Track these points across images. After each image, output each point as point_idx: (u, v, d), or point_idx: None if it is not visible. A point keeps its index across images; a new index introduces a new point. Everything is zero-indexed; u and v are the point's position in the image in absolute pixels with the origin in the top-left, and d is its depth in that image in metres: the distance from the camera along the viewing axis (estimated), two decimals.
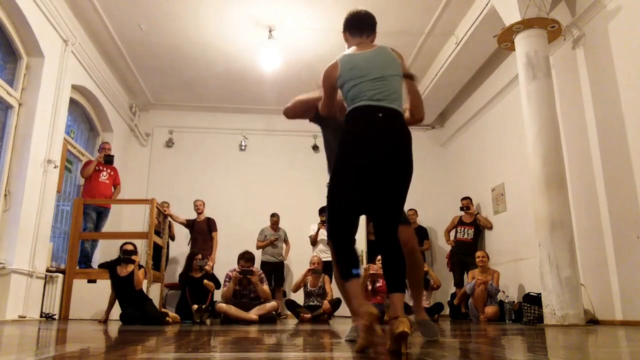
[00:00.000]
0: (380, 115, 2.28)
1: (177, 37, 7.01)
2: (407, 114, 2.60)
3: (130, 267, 5.33)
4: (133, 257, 5.33)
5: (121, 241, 5.82)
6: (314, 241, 7.56)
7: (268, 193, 8.71)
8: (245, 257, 6.04)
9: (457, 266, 7.36)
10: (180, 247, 8.10)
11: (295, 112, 2.89)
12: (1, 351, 2.17)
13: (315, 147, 9.05)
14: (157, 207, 6.81)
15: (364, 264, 6.73)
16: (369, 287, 6.33)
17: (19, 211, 5.43)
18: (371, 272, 6.30)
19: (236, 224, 8.40)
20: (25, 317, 5.43)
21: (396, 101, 2.36)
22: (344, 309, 7.59)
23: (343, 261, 2.26)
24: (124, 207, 8.43)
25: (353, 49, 2.54)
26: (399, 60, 2.47)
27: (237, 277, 5.91)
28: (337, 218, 2.32)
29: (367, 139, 2.28)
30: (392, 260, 2.24)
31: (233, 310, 5.73)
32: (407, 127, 2.42)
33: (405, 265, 2.25)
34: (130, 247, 5.45)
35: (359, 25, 2.58)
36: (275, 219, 8.03)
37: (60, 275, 6.09)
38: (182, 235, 8.08)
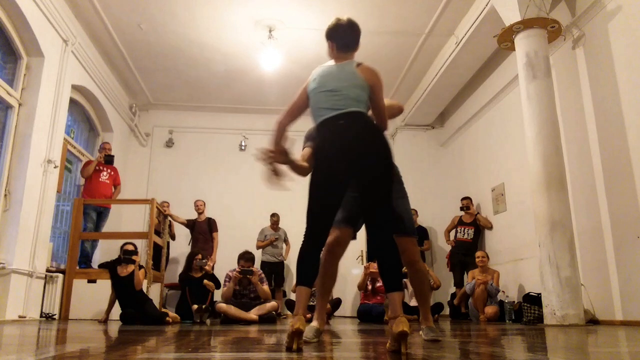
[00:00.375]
0: (342, 122, 2.34)
1: (177, 37, 7.01)
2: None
3: (131, 267, 5.33)
4: (133, 257, 5.34)
5: (121, 241, 5.83)
6: None
7: (268, 193, 8.65)
8: (246, 257, 6.04)
9: (457, 266, 7.36)
10: (180, 247, 8.10)
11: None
12: (1, 351, 2.17)
13: None
14: (157, 207, 6.81)
15: (364, 263, 6.73)
16: (369, 287, 6.34)
17: (19, 211, 5.43)
18: (371, 270, 6.31)
19: (236, 224, 8.40)
20: (25, 317, 5.43)
21: (353, 106, 2.40)
22: (343, 309, 7.61)
23: (302, 268, 2.33)
24: (124, 207, 8.43)
25: (330, 62, 2.61)
26: (361, 75, 2.49)
27: (237, 277, 5.91)
28: (308, 227, 2.39)
29: (336, 148, 2.34)
30: (386, 260, 2.27)
31: (233, 310, 5.73)
32: (373, 123, 2.43)
33: (400, 264, 2.32)
34: (130, 247, 5.46)
35: (347, 44, 2.59)
36: (275, 218, 8.03)
37: (60, 275, 6.09)
38: (183, 235, 8.07)
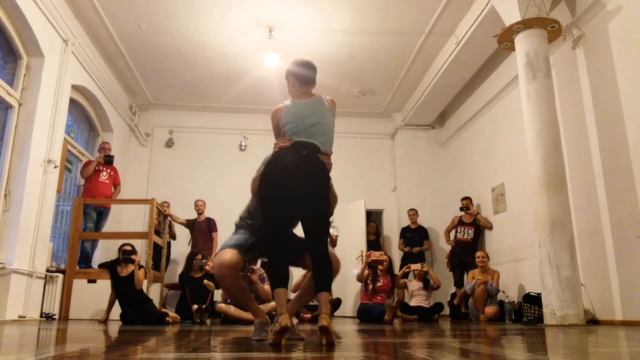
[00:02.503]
0: (304, 152, 2.68)
1: (177, 37, 7.01)
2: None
3: (131, 267, 5.33)
4: (133, 257, 5.34)
5: (121, 241, 5.83)
6: None
7: None
8: None
9: (457, 266, 7.36)
10: (180, 247, 8.10)
11: None
12: (1, 351, 2.17)
13: None
14: (157, 207, 6.81)
15: (362, 254, 6.73)
16: (370, 286, 6.34)
17: (19, 211, 5.43)
18: (373, 258, 6.32)
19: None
20: (25, 317, 5.43)
21: (324, 143, 2.75)
22: (343, 309, 7.61)
23: (275, 274, 2.64)
24: (124, 207, 8.43)
25: (294, 98, 2.89)
26: (332, 110, 2.87)
27: None
28: (275, 234, 2.68)
29: (289, 169, 2.65)
30: (321, 265, 2.61)
31: (233, 310, 5.73)
32: (324, 164, 2.73)
33: (332, 270, 2.64)
34: (129, 248, 5.45)
35: (306, 81, 2.88)
36: None
37: (60, 275, 6.09)
38: (183, 236, 8.08)
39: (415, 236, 8.40)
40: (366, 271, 6.39)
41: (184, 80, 8.31)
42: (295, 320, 2.87)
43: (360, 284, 6.65)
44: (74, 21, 6.45)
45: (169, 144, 9.26)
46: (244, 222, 3.01)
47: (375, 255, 6.36)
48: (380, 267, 6.35)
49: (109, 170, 7.17)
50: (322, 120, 2.77)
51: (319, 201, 2.68)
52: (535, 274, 5.12)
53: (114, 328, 4.19)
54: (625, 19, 4.76)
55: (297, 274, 7.05)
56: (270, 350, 2.17)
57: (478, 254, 6.55)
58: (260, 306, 5.84)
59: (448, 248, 7.91)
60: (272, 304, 5.94)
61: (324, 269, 2.61)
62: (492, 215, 7.40)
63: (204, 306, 5.89)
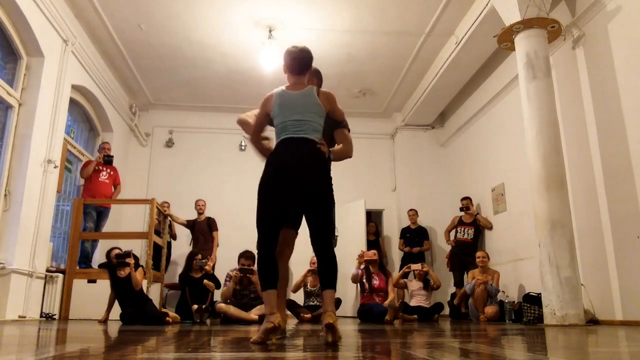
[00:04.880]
0: (298, 145, 2.69)
1: (177, 37, 7.01)
2: (337, 147, 3.04)
3: (128, 270, 5.31)
4: (127, 260, 5.31)
5: (121, 241, 5.82)
6: None
7: None
8: (246, 256, 6.06)
9: (457, 266, 7.36)
10: (180, 247, 8.09)
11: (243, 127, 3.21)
12: (1, 351, 2.17)
13: None
14: (157, 207, 6.80)
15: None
16: (367, 286, 6.34)
17: (19, 211, 5.43)
18: (365, 258, 6.34)
19: (236, 224, 8.39)
20: (25, 317, 5.43)
21: (313, 135, 2.74)
22: (344, 309, 7.61)
23: (264, 274, 2.61)
24: (124, 207, 8.43)
25: (288, 86, 2.88)
26: (321, 104, 2.80)
27: (237, 276, 5.92)
28: (263, 233, 2.65)
29: (292, 165, 2.65)
30: (325, 263, 2.63)
31: (233, 310, 5.73)
32: (322, 154, 2.75)
33: (337, 267, 2.65)
34: (119, 251, 5.42)
35: (298, 69, 2.86)
36: None
37: (60, 275, 6.09)
38: (183, 236, 8.08)
39: (415, 236, 8.40)
40: (359, 271, 6.41)
41: (184, 80, 8.31)
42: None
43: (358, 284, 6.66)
44: (74, 21, 6.45)
45: (169, 144, 9.26)
46: None
47: (368, 254, 6.39)
48: (371, 265, 6.38)
49: (108, 170, 7.17)
50: (306, 116, 2.74)
51: (322, 196, 2.67)
52: (535, 274, 5.12)
53: (114, 328, 4.19)
54: (625, 19, 4.76)
55: (297, 274, 7.05)
56: (270, 350, 2.17)
57: (478, 254, 6.55)
58: (260, 306, 5.91)
59: (448, 248, 7.91)
60: None
61: (329, 266, 2.62)
62: (492, 215, 7.40)
63: (204, 306, 5.89)
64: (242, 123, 3.14)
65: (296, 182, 2.62)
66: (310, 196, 2.65)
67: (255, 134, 2.94)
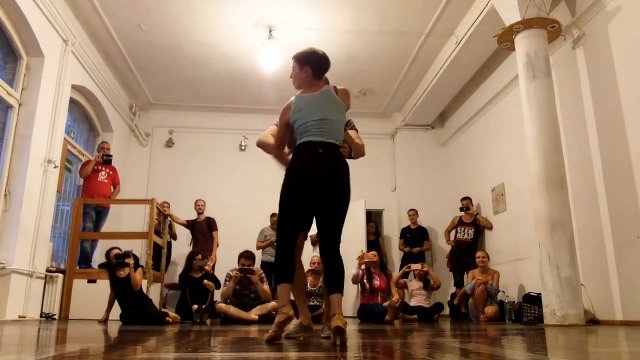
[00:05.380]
0: (321, 150, 2.70)
1: (177, 37, 7.01)
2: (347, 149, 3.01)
3: (127, 270, 5.30)
4: (127, 260, 5.31)
5: (121, 241, 5.82)
6: (314, 241, 7.54)
7: (268, 193, 8.68)
8: (246, 255, 6.06)
9: (457, 266, 7.36)
10: (180, 247, 8.09)
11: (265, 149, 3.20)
12: (1, 351, 2.17)
13: None
14: (157, 207, 6.80)
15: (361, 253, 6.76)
16: (367, 286, 6.34)
17: (19, 211, 5.43)
18: (365, 260, 6.34)
19: (236, 224, 8.40)
20: (25, 317, 5.43)
21: (335, 136, 2.78)
22: (343, 309, 7.59)
23: (280, 270, 2.68)
24: (123, 207, 8.43)
25: (302, 92, 2.90)
26: (341, 102, 2.85)
27: (237, 276, 5.92)
28: (283, 234, 2.73)
29: (309, 169, 2.70)
30: (333, 267, 2.66)
31: (232, 310, 5.73)
32: (343, 159, 2.83)
33: (343, 272, 2.67)
34: (118, 251, 5.42)
35: (321, 72, 2.90)
36: (275, 219, 8.01)
37: (60, 275, 6.09)
38: (183, 236, 8.08)
39: (415, 236, 8.40)
40: (360, 272, 6.41)
41: (184, 80, 8.31)
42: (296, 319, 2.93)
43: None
44: (74, 21, 6.45)
45: (169, 144, 9.26)
46: None
47: (368, 256, 6.39)
48: (372, 267, 6.38)
49: (107, 170, 7.16)
50: (329, 115, 2.77)
51: (337, 202, 2.71)
52: (535, 274, 5.12)
53: (114, 328, 4.18)
54: (625, 19, 4.76)
55: None
56: (270, 350, 2.17)
57: (478, 254, 6.55)
58: (260, 306, 5.90)
59: (448, 248, 7.91)
60: (272, 303, 5.94)
61: (336, 270, 2.65)
62: (492, 215, 7.40)
63: (204, 306, 5.88)
64: (263, 145, 3.14)
65: (315, 188, 2.68)
66: (327, 200, 2.69)
67: (279, 147, 2.98)
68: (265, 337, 2.54)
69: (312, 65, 2.85)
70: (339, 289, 2.62)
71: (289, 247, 2.71)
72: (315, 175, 2.68)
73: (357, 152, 3.08)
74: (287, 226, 2.74)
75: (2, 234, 5.34)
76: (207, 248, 7.45)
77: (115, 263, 5.31)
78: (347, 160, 2.95)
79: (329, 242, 2.70)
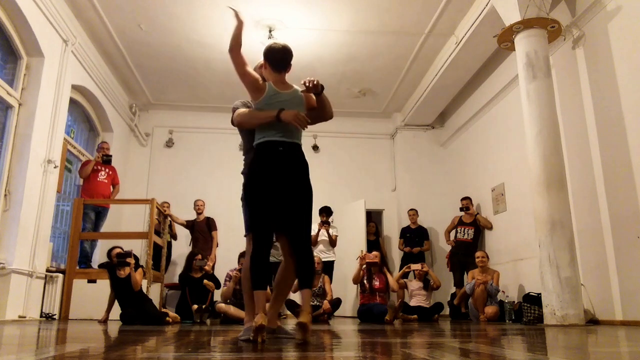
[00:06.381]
0: (281, 148, 2.72)
1: (177, 37, 7.01)
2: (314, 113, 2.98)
3: (128, 270, 5.31)
4: (128, 260, 5.32)
5: (121, 241, 5.82)
6: (314, 241, 7.55)
7: None
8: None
9: (457, 266, 7.36)
10: (180, 247, 8.09)
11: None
12: (1, 351, 2.17)
13: (315, 147, 9.06)
14: (157, 207, 6.80)
15: (362, 254, 6.75)
16: (367, 286, 6.34)
17: (19, 211, 5.43)
18: (367, 260, 6.33)
19: (236, 224, 8.30)
20: (25, 317, 5.43)
21: (296, 136, 2.81)
22: (343, 309, 7.61)
23: (256, 275, 2.65)
24: (123, 207, 8.43)
25: (275, 83, 2.88)
26: (305, 102, 2.88)
27: (237, 276, 5.91)
28: (255, 238, 2.72)
29: (269, 169, 2.69)
30: (304, 263, 2.70)
31: (232, 310, 5.73)
32: (304, 157, 2.83)
33: (314, 267, 2.73)
34: (120, 251, 5.42)
35: (280, 65, 2.88)
36: None
37: (60, 275, 6.09)
38: (183, 236, 8.08)
39: (415, 236, 8.40)
40: (361, 272, 6.41)
41: (184, 80, 8.31)
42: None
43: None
44: (74, 21, 6.45)
45: (169, 144, 9.26)
46: None
47: (370, 257, 6.38)
48: (373, 267, 6.37)
49: (107, 170, 7.16)
50: None
51: (302, 197, 2.74)
52: (535, 274, 5.12)
53: (114, 328, 4.18)
54: (625, 19, 4.76)
55: None
56: (270, 350, 2.17)
57: (478, 254, 6.55)
58: None
59: (448, 248, 7.90)
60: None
61: (307, 266, 2.69)
62: (492, 215, 7.40)
63: (204, 306, 5.89)
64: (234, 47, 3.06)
65: (281, 188, 2.68)
66: (294, 198, 2.71)
67: (232, 50, 3.00)
68: (239, 336, 2.63)
69: (269, 60, 2.87)
70: (309, 285, 2.66)
71: (262, 251, 2.69)
72: (279, 174, 2.68)
73: (329, 110, 3.00)
74: (258, 229, 2.70)
75: (2, 234, 5.34)
76: (207, 248, 7.44)
77: (116, 262, 5.31)
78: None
79: (302, 240, 2.72)
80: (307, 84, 2.81)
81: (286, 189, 2.69)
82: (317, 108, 2.96)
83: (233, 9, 3.01)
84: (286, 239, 2.83)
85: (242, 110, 3.01)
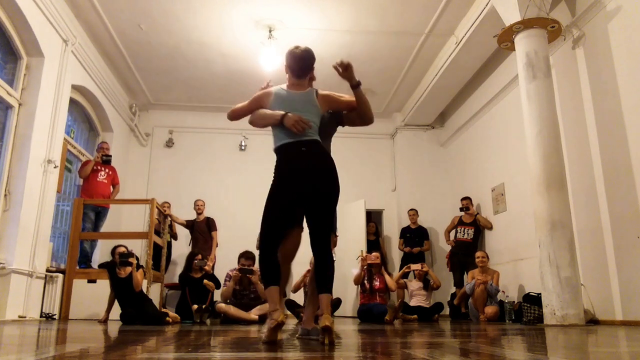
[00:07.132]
0: (304, 149, 2.69)
1: (177, 37, 7.01)
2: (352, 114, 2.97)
3: (129, 269, 5.31)
4: (130, 260, 5.32)
5: (121, 241, 5.82)
6: None
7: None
8: (246, 256, 6.07)
9: (457, 266, 7.36)
10: (180, 247, 8.09)
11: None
12: (1, 351, 2.17)
13: None
14: (157, 207, 6.80)
15: (362, 255, 6.75)
16: (367, 286, 6.34)
17: (19, 211, 5.42)
18: (368, 262, 6.34)
19: (236, 224, 8.39)
20: (25, 317, 5.43)
21: (314, 134, 2.76)
22: (343, 309, 7.61)
23: (266, 272, 2.66)
24: (123, 207, 8.43)
25: (288, 86, 2.89)
26: (319, 106, 2.82)
27: (237, 276, 5.92)
28: (266, 233, 2.72)
29: (296, 170, 2.68)
30: (322, 266, 2.65)
31: (232, 310, 5.73)
32: (328, 153, 2.83)
33: (333, 272, 2.67)
34: (124, 250, 5.43)
35: (300, 72, 2.86)
36: None
37: (60, 275, 6.09)
38: (183, 236, 8.08)
39: (415, 236, 8.40)
40: (361, 272, 6.41)
41: (184, 80, 8.31)
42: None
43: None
44: (74, 21, 6.45)
45: (169, 144, 9.26)
46: None
47: (371, 258, 6.37)
48: (373, 268, 6.37)
49: (107, 170, 7.16)
50: (306, 116, 2.73)
51: (327, 199, 2.69)
52: (535, 274, 5.12)
53: (114, 328, 4.18)
54: (625, 19, 4.76)
55: (296, 274, 7.05)
56: (270, 350, 2.17)
57: (478, 254, 6.55)
58: (260, 306, 5.90)
59: (448, 248, 7.91)
60: None
61: (326, 271, 2.64)
62: (492, 215, 7.40)
63: (204, 306, 5.88)
64: (234, 112, 3.11)
65: (306, 187, 2.65)
66: (317, 197, 2.66)
67: (236, 117, 3.03)
68: (262, 340, 2.55)
69: (291, 68, 2.87)
70: (329, 290, 2.61)
71: (271, 247, 2.69)
72: (309, 174, 2.66)
73: (368, 112, 2.91)
74: (272, 227, 2.71)
75: (2, 234, 5.34)
76: (207, 248, 7.44)
77: (119, 261, 5.32)
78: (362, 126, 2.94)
79: (322, 241, 2.68)
80: (337, 66, 2.79)
81: (313, 190, 2.65)
82: (357, 106, 2.89)
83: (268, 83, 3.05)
84: (298, 237, 2.85)
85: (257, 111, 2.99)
